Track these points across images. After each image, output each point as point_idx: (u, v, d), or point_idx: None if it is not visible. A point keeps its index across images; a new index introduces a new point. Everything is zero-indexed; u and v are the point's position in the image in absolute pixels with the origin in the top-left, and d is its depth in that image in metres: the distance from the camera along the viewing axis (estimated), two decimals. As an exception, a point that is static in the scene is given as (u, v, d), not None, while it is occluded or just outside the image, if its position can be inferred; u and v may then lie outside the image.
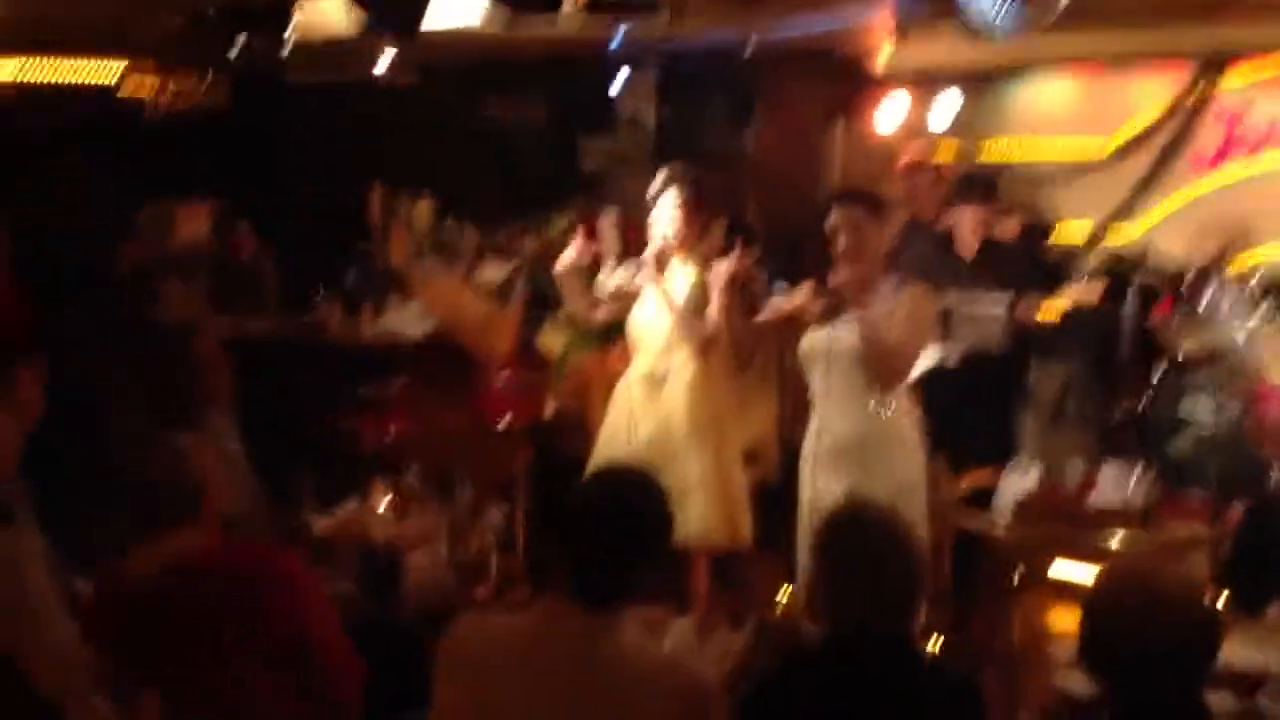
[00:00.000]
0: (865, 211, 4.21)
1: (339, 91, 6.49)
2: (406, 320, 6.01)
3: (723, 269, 4.57)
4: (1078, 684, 3.10)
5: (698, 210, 4.69)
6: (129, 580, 2.90)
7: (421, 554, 3.96)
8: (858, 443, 4.21)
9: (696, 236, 4.71)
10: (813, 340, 4.25)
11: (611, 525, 2.50)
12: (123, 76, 6.05)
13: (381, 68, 5.86)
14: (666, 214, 4.66)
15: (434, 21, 3.96)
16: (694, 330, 4.57)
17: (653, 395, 4.71)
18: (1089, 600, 2.36)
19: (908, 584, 2.53)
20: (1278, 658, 3.09)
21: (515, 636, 2.53)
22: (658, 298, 4.65)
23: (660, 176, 4.73)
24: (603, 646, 2.45)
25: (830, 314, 4.20)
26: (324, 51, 5.54)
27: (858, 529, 2.59)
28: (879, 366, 4.16)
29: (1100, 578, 2.40)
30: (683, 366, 4.70)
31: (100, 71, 6.01)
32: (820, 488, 4.26)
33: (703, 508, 4.66)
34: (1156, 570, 2.34)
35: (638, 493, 2.57)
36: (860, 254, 4.18)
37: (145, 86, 6.23)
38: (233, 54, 4.21)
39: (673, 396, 4.70)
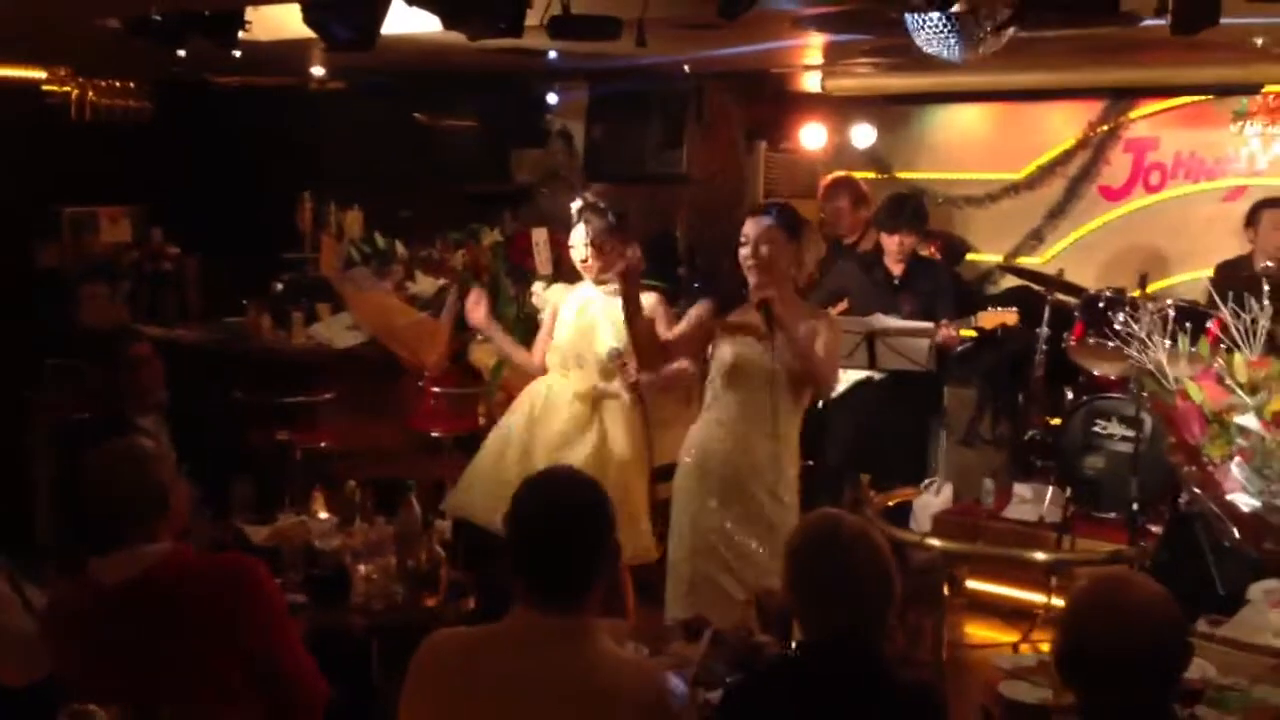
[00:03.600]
0: (779, 225, 4.14)
1: (267, 97, 6.44)
2: (336, 331, 5.97)
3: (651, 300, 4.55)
4: (1023, 692, 3.23)
5: (610, 240, 4.67)
6: (95, 588, 2.85)
7: (370, 564, 3.91)
8: (768, 461, 4.17)
9: (610, 264, 4.64)
10: (752, 355, 4.16)
11: (565, 525, 2.50)
12: (46, 79, 5.94)
13: (314, 73, 5.80)
14: (580, 245, 4.70)
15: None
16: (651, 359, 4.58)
17: (589, 414, 4.71)
18: (1066, 612, 2.42)
19: (881, 595, 2.58)
20: (1214, 669, 3.22)
21: (490, 648, 2.53)
22: (602, 320, 4.66)
23: (575, 204, 4.76)
24: (577, 653, 2.47)
25: (767, 328, 4.15)
26: (252, 56, 5.47)
27: (836, 542, 2.61)
28: (811, 379, 4.16)
29: (1077, 591, 2.46)
30: (621, 387, 4.71)
31: (24, 73, 5.90)
32: (710, 505, 4.20)
33: (642, 524, 4.70)
34: (1132, 582, 2.41)
35: (583, 491, 2.59)
36: (770, 266, 4.10)
37: (69, 89, 6.13)
38: (181, 54, 4.13)
39: (612, 417, 4.71)
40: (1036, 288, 6.29)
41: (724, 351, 4.22)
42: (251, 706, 2.88)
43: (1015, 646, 5.17)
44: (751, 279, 4.12)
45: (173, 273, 6.56)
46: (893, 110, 7.37)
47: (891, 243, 5.93)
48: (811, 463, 5.78)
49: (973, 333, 6.03)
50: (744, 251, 4.14)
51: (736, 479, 4.17)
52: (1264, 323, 4.38)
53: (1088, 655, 2.31)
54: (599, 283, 4.72)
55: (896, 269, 5.97)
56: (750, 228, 4.17)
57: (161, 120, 6.72)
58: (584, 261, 4.71)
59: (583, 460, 4.56)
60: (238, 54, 4.11)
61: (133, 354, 4.66)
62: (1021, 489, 5.80)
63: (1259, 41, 4.75)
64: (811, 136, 7.16)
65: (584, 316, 4.74)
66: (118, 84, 6.31)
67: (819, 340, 4.15)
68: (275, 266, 6.60)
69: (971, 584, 5.89)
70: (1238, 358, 4.34)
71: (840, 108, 7.23)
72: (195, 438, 5.01)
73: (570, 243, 4.75)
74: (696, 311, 4.31)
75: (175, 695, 2.79)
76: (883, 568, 2.58)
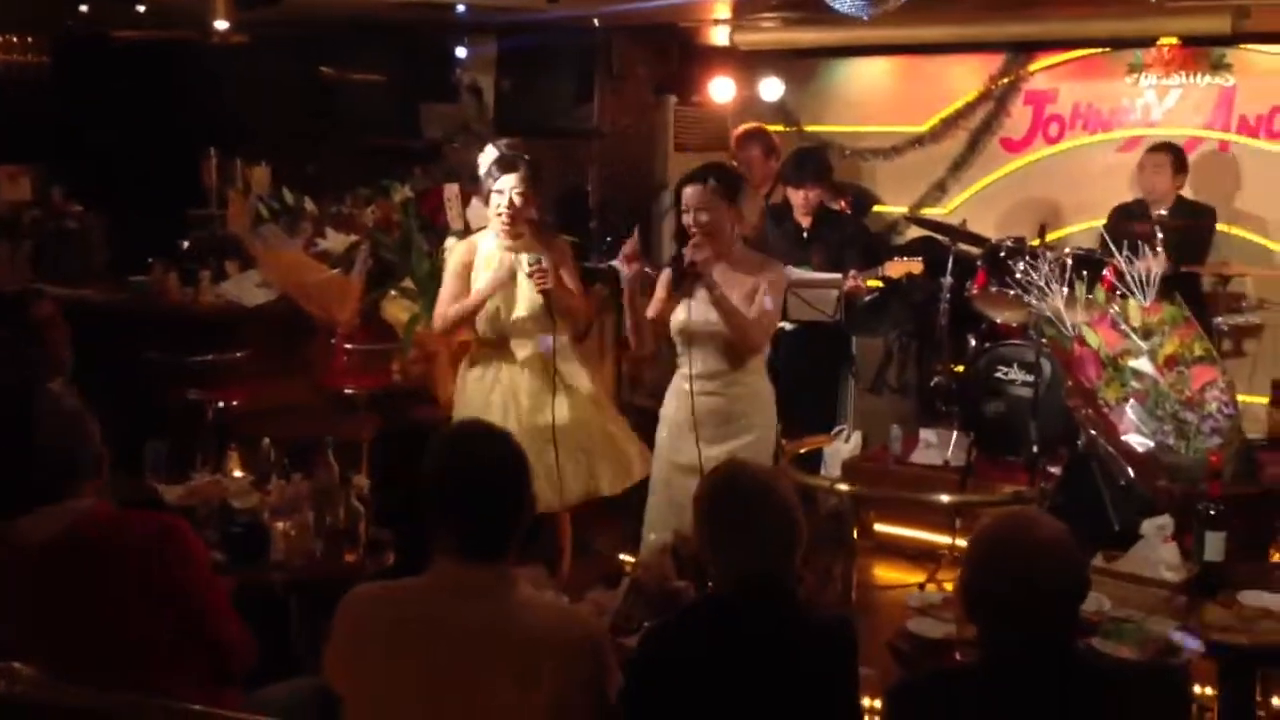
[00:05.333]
0: (716, 189, 4.31)
1: (170, 51, 6.32)
2: (245, 288, 5.90)
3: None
4: (928, 628, 3.35)
5: (531, 193, 4.61)
6: (16, 546, 2.83)
7: (288, 522, 3.92)
8: (719, 410, 4.38)
9: (523, 218, 4.59)
10: (678, 316, 4.39)
11: (485, 478, 2.57)
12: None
13: (217, 26, 5.69)
14: (510, 192, 4.54)
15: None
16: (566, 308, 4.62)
17: (547, 374, 4.66)
18: (970, 549, 2.50)
19: (787, 538, 2.66)
20: (1109, 602, 3.36)
21: (413, 599, 2.60)
22: (520, 281, 4.60)
23: (491, 155, 4.65)
24: (499, 601, 2.54)
25: (686, 290, 4.31)
26: (155, 9, 5.37)
27: (740, 489, 2.71)
28: (738, 339, 4.32)
29: (981, 529, 2.53)
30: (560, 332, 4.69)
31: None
32: (680, 450, 4.44)
33: (607, 460, 4.77)
34: (1034, 520, 2.49)
35: (496, 443, 2.65)
36: (713, 231, 4.30)
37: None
38: (83, 9, 4.05)
39: (568, 368, 4.72)
40: (940, 238, 6.43)
41: (676, 315, 4.39)
42: (180, 662, 2.90)
43: (922, 586, 5.32)
44: (694, 244, 4.28)
45: (76, 231, 6.44)
46: (800, 64, 7.44)
47: (797, 196, 6.03)
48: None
49: (879, 283, 6.15)
50: (686, 219, 4.32)
51: (716, 421, 4.37)
52: (1157, 270, 4.55)
53: (991, 590, 2.40)
54: (512, 236, 4.60)
55: (804, 221, 6.06)
56: (689, 196, 4.33)
57: (61, 76, 6.56)
58: (511, 209, 4.54)
59: (568, 418, 4.63)
60: (141, 8, 4.03)
61: (37, 316, 4.56)
62: (927, 434, 5.94)
63: (1155, -4, 4.89)
64: (720, 90, 7.21)
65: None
66: (14, 39, 6.14)
67: (758, 297, 4.30)
68: (181, 224, 6.51)
69: (880, 527, 6.05)
70: (1132, 303, 4.50)
71: (748, 61, 7.28)
72: (105, 399, 4.94)
73: (497, 188, 4.55)
74: (663, 279, 4.46)
75: (103, 653, 2.79)
76: (786, 511, 2.67)
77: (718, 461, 4.20)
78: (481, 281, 4.64)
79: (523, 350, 4.69)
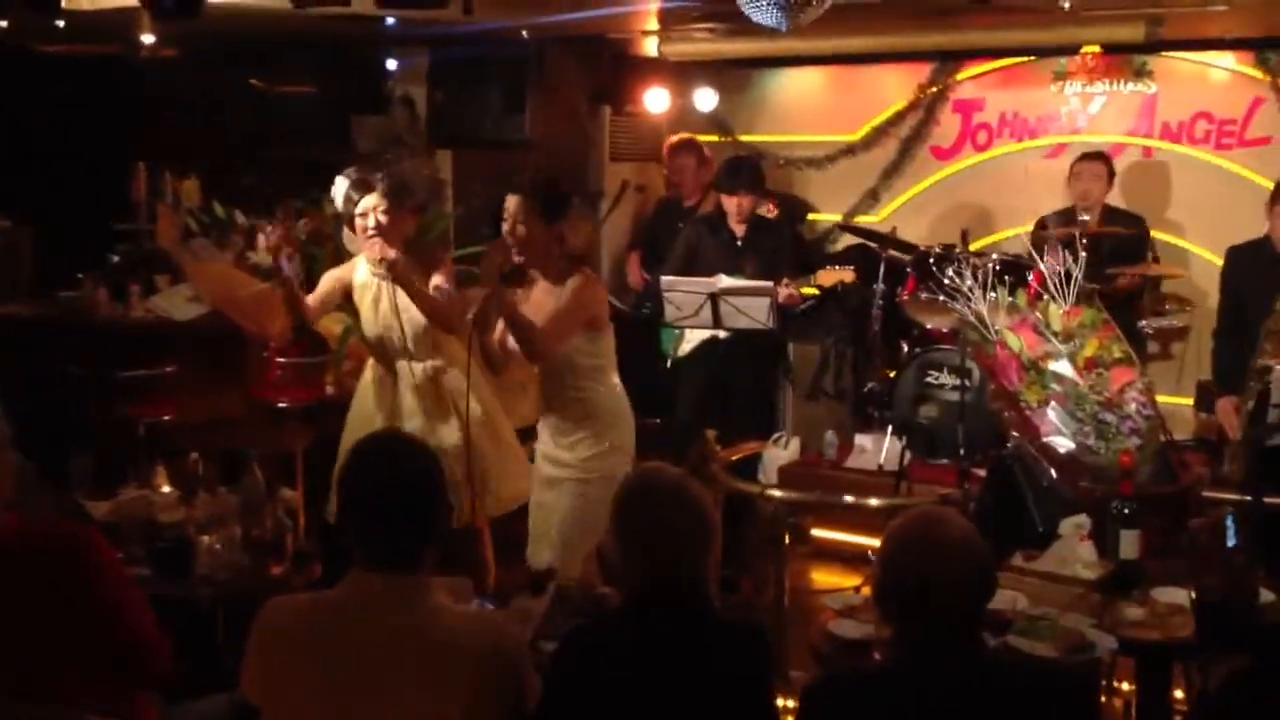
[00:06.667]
0: (532, 203, 4.22)
1: (100, 65, 6.28)
2: (176, 302, 5.85)
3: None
4: (848, 629, 3.39)
5: (400, 212, 4.56)
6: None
7: (214, 535, 3.91)
8: (554, 424, 4.39)
9: (391, 240, 4.53)
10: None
11: (395, 489, 2.58)
12: None
13: (144, 40, 5.65)
14: (372, 217, 4.51)
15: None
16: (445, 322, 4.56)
17: (436, 398, 4.71)
18: (881, 549, 2.52)
19: (698, 542, 2.64)
20: (1025, 599, 3.42)
21: (326, 610, 2.60)
22: (402, 305, 4.58)
23: (343, 185, 4.58)
24: (412, 611, 2.55)
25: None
26: (83, 22, 5.32)
27: (652, 494, 2.70)
28: (527, 356, 4.27)
29: (891, 528, 2.54)
30: (458, 354, 4.64)
31: None
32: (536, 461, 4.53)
33: (507, 480, 4.78)
34: (940, 518, 2.52)
35: (412, 454, 2.67)
36: (525, 243, 4.20)
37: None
38: (3, 25, 4.03)
39: (458, 390, 4.63)
40: (873, 245, 6.50)
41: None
42: (93, 672, 2.89)
43: (858, 589, 5.36)
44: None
45: (4, 246, 6.38)
46: (733, 75, 7.50)
47: (731, 204, 6.08)
48: (659, 420, 5.96)
49: (814, 290, 6.22)
50: (505, 227, 4.24)
51: (557, 432, 4.38)
52: (1077, 274, 4.63)
53: (900, 588, 2.44)
54: (386, 255, 4.49)
55: (739, 229, 6.12)
56: (508, 204, 4.26)
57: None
58: (378, 227, 4.48)
59: (458, 441, 4.60)
60: (61, 23, 4.02)
61: None
62: (862, 439, 6.01)
63: (1066, 5, 4.98)
64: (655, 100, 7.25)
65: (380, 306, 4.67)
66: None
67: (561, 299, 4.21)
68: (111, 238, 6.46)
69: (817, 532, 6.10)
70: (1053, 308, 4.57)
71: (682, 72, 7.33)
72: (34, 414, 4.88)
73: (359, 211, 4.52)
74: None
75: (13, 664, 2.79)
76: (698, 516, 2.65)
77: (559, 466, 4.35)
78: (365, 306, 4.66)
79: (409, 377, 4.72)
